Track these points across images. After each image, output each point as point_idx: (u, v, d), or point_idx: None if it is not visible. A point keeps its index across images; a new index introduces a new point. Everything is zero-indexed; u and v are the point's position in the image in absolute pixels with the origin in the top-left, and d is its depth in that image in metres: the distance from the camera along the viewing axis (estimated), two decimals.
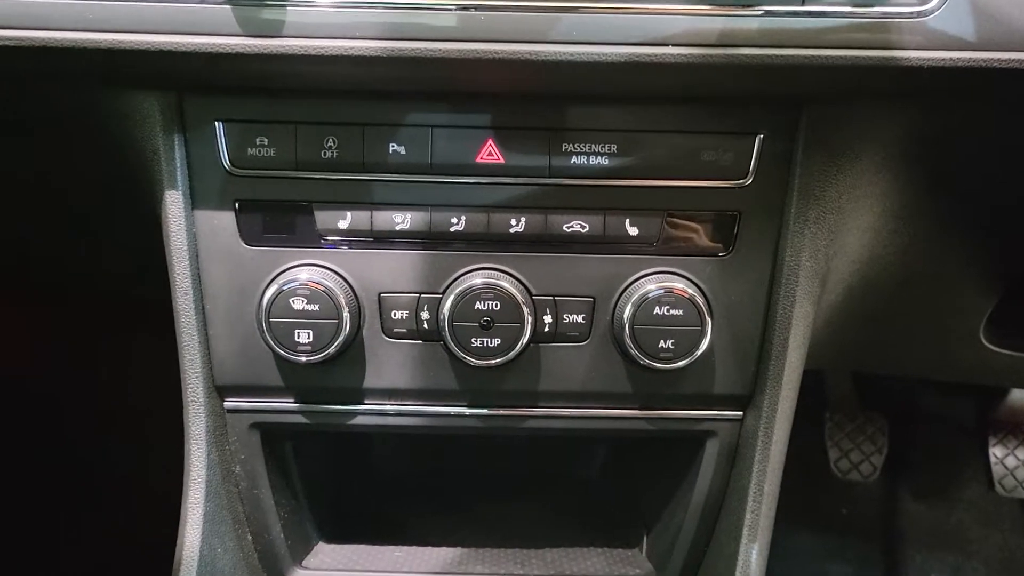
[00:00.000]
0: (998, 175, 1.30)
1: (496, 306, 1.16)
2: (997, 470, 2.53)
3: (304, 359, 1.17)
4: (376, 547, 1.46)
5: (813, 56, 1.03)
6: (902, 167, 1.22)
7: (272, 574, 1.37)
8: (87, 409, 2.30)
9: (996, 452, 2.54)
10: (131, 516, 2.18)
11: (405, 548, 1.45)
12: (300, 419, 1.27)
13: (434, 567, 1.40)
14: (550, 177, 1.17)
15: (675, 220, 1.19)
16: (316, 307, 1.16)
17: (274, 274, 1.19)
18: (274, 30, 1.02)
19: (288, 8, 1.02)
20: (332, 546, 1.46)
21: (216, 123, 1.15)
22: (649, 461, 1.50)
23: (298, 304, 1.16)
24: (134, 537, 2.00)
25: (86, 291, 1.96)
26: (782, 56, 1.03)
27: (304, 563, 1.41)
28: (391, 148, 1.15)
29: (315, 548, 1.45)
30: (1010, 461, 2.54)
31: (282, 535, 1.35)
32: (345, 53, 1.03)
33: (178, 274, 1.19)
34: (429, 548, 1.45)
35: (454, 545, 1.45)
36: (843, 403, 2.60)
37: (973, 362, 1.67)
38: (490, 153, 1.16)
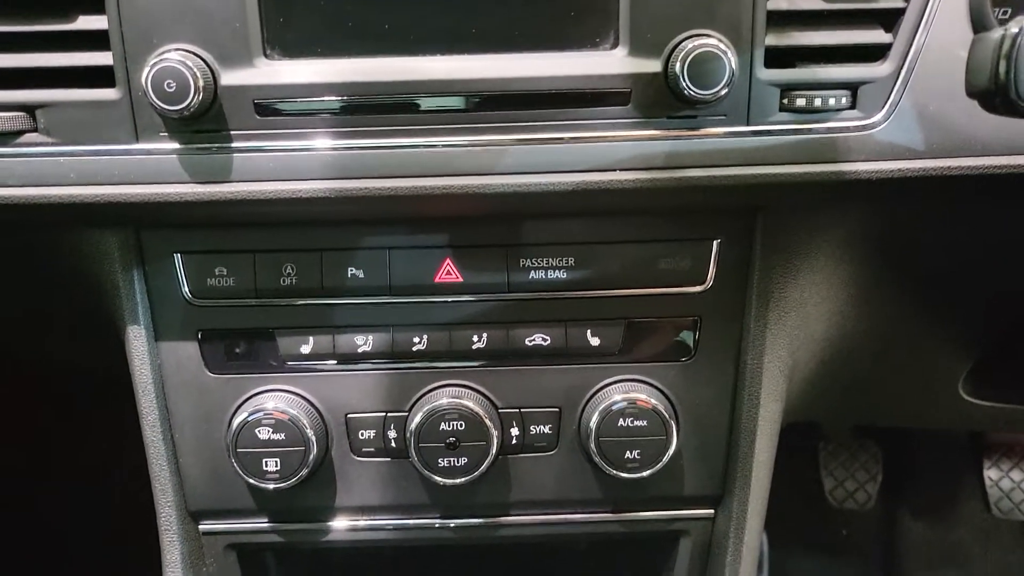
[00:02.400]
0: (960, 256, 1.29)
1: (461, 426, 1.17)
2: (992, 493, 2.52)
3: (273, 486, 1.18)
4: None
5: (761, 175, 1.03)
6: (862, 257, 1.22)
7: None
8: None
9: (991, 475, 2.53)
10: None
11: None
12: (275, 538, 1.28)
13: None
14: (509, 292, 1.17)
15: (636, 328, 1.19)
16: (282, 436, 1.16)
17: (240, 401, 1.20)
18: (222, 176, 1.03)
19: (235, 155, 1.02)
20: None
21: (175, 255, 1.16)
22: (625, 559, 1.50)
23: (264, 434, 1.16)
24: None
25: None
26: (730, 176, 1.03)
27: None
28: (350, 272, 1.16)
29: None
30: (1005, 483, 2.53)
31: None
32: (294, 195, 1.03)
33: (145, 407, 1.20)
34: None
35: None
36: (836, 432, 2.59)
37: (954, 413, 1.66)
38: (448, 272, 1.17)
